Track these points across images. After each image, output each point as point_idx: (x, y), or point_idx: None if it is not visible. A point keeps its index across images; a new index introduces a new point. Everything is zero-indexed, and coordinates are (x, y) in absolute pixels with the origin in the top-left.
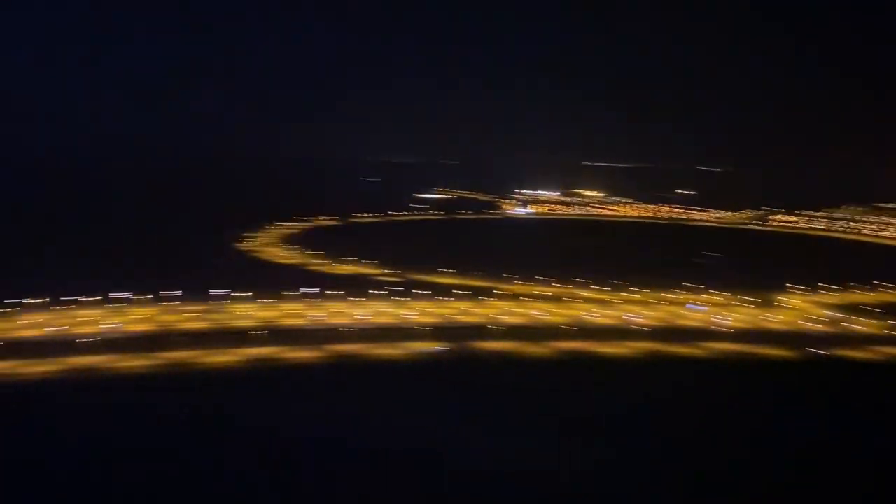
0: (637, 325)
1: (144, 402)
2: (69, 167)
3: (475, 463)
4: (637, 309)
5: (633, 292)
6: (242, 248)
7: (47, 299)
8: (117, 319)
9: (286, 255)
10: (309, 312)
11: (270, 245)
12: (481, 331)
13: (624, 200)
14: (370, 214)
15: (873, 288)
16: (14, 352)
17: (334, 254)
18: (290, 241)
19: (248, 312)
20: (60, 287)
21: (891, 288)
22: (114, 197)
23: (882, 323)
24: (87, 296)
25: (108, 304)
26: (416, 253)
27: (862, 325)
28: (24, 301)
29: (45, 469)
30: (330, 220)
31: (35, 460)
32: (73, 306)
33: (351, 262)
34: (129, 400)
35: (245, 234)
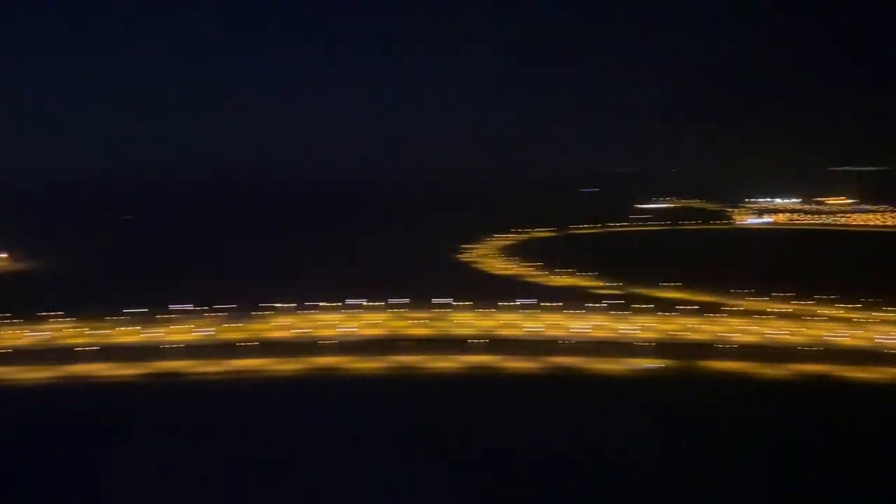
0: (891, 347)
1: (378, 402)
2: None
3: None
4: (891, 330)
5: (887, 311)
6: (464, 260)
7: (294, 304)
8: (353, 324)
9: (504, 266)
10: (526, 323)
11: (490, 256)
12: (707, 349)
13: (877, 208)
14: (589, 225)
15: None
16: (266, 351)
17: (552, 265)
18: (509, 252)
19: (467, 321)
20: (310, 294)
21: None
22: (358, 220)
23: None
24: (329, 302)
25: (345, 309)
26: (637, 265)
27: None
28: (278, 305)
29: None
30: (548, 231)
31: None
32: (316, 311)
33: (569, 273)
34: (362, 399)
35: (468, 246)
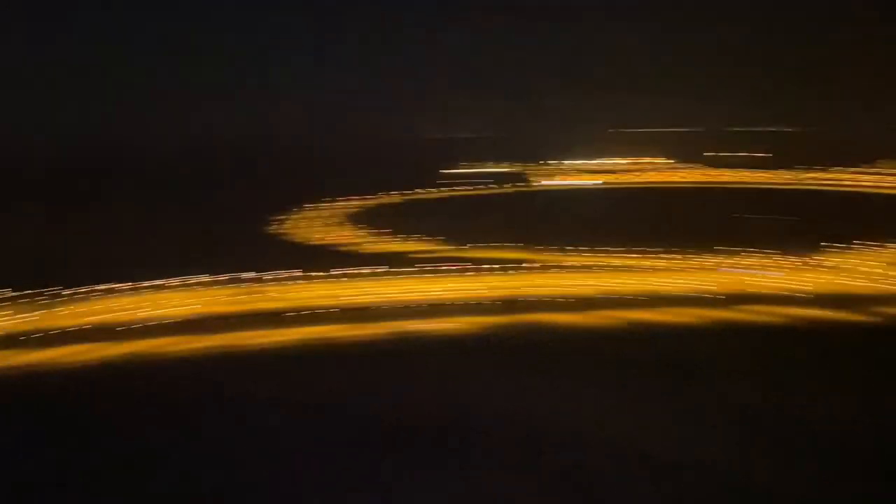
0: (702, 291)
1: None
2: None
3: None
4: (700, 275)
5: (704, 259)
6: (288, 229)
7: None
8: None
9: (336, 234)
10: (369, 289)
11: (324, 224)
12: (548, 303)
13: (688, 166)
14: (396, 193)
15: None
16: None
17: (381, 231)
18: (345, 219)
19: (314, 292)
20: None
21: None
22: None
23: None
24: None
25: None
26: (467, 229)
27: None
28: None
29: None
30: (371, 198)
31: None
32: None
33: (382, 239)
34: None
35: (293, 215)
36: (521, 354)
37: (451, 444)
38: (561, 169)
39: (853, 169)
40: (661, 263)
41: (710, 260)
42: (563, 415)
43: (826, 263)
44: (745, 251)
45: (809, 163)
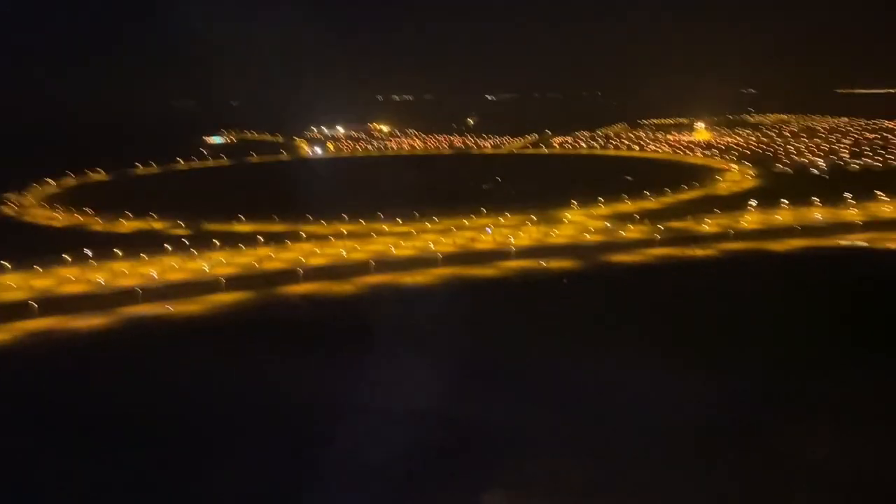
0: (438, 251)
1: None
2: None
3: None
4: (438, 238)
5: (434, 223)
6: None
7: None
8: None
9: (56, 216)
10: (92, 276)
11: (39, 205)
12: (284, 276)
13: (413, 132)
14: (151, 165)
15: (642, 198)
16: None
17: (113, 211)
18: (64, 198)
19: (17, 283)
20: None
21: (655, 196)
22: None
23: (649, 228)
24: None
25: None
26: (205, 203)
27: (633, 233)
28: None
29: None
30: (104, 175)
31: None
32: None
33: (134, 218)
34: None
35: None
36: (255, 332)
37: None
38: (323, 137)
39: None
40: (417, 228)
41: (464, 223)
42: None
43: (560, 219)
44: (495, 214)
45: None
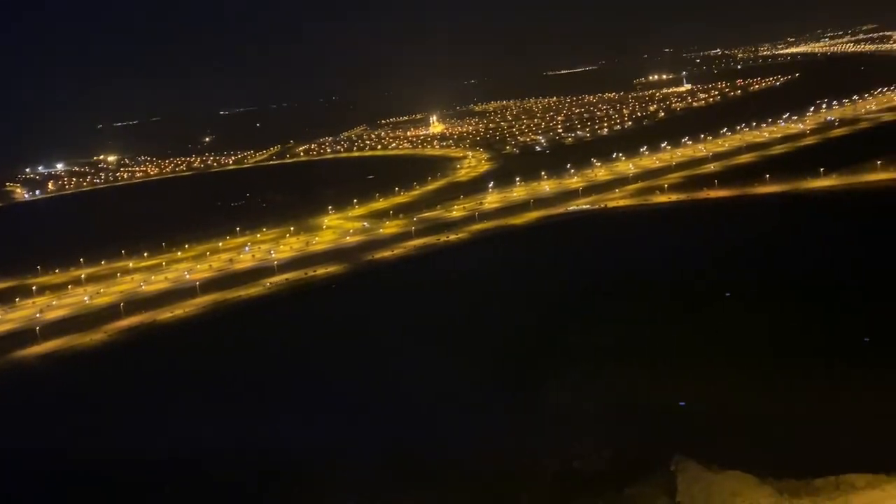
0: (195, 280)
1: None
2: None
3: None
4: (193, 265)
5: (185, 250)
6: None
7: None
8: None
9: None
10: None
11: None
12: (21, 336)
13: (145, 159)
14: None
15: (393, 194)
16: None
17: None
18: None
19: None
20: None
21: (402, 191)
22: None
23: (405, 222)
24: None
25: None
26: None
27: (392, 228)
28: None
29: None
30: None
31: None
32: None
33: None
34: None
35: None
36: None
37: None
38: (39, 177)
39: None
40: (155, 262)
41: (212, 247)
42: None
43: (320, 225)
44: (252, 231)
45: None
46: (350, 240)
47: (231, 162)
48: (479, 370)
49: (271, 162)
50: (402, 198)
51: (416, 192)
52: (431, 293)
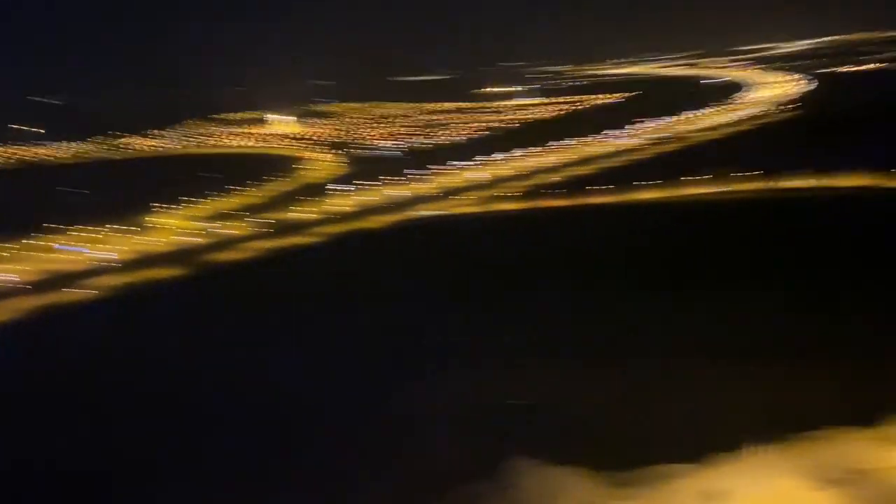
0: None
1: None
2: None
3: None
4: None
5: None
6: None
7: None
8: None
9: None
10: None
11: None
12: None
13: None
14: None
15: (238, 193)
16: None
17: None
18: None
19: None
20: None
21: (244, 191)
22: None
23: (248, 223)
24: None
25: None
26: None
27: (233, 230)
28: None
29: None
30: None
31: None
32: None
33: None
34: None
35: None
36: None
37: None
38: None
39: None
40: None
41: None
42: None
43: (148, 225)
44: (69, 228)
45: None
46: (193, 240)
47: (55, 154)
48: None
49: (96, 155)
50: (248, 198)
51: (264, 192)
52: (280, 302)
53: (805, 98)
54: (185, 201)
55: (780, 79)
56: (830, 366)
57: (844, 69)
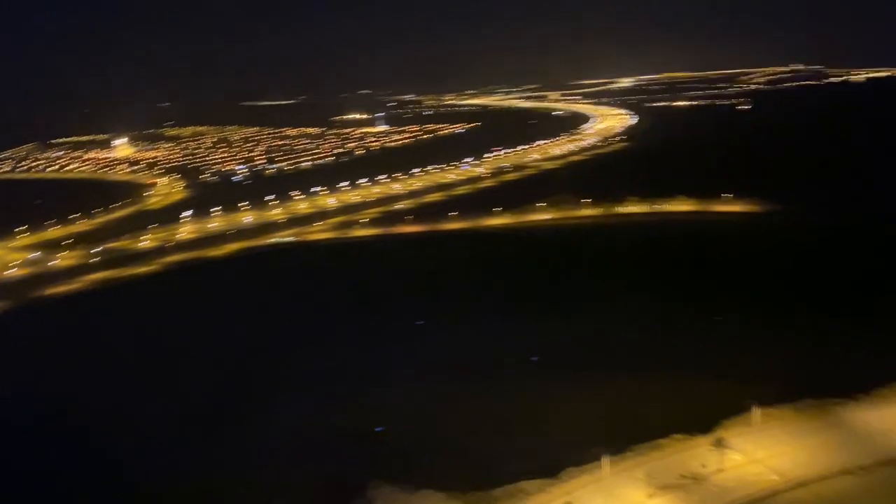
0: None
1: None
2: None
3: None
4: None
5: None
6: None
7: None
8: None
9: None
10: None
11: None
12: None
13: None
14: None
15: (71, 221)
16: None
17: None
18: None
19: None
20: None
21: (82, 219)
22: None
23: (84, 252)
24: None
25: None
26: None
27: (68, 259)
28: None
29: None
30: None
31: None
32: None
33: None
34: None
35: None
36: None
37: None
38: None
39: None
40: None
41: None
42: None
43: None
44: None
45: None
46: (15, 272)
47: None
48: None
49: None
50: (82, 226)
51: (99, 219)
52: (110, 333)
53: (633, 131)
54: (16, 231)
55: (613, 112)
56: (662, 378)
57: (666, 104)
